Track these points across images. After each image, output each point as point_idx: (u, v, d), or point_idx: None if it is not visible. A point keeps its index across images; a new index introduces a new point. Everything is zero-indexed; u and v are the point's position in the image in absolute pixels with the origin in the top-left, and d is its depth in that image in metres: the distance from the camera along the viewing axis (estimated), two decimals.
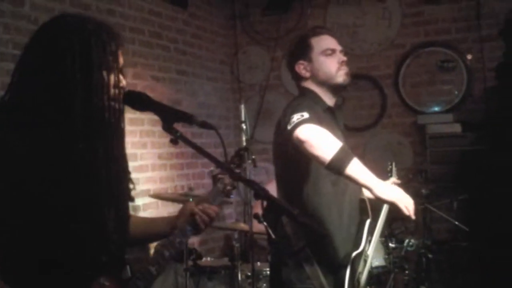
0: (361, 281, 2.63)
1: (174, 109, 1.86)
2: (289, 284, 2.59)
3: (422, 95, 5.58)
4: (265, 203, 1.67)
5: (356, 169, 2.36)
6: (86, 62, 1.67)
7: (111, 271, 1.73)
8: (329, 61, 2.77)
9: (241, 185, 6.05)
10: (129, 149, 4.74)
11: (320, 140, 2.39)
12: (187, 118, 1.84)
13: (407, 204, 2.39)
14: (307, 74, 2.78)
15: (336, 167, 2.36)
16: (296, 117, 2.46)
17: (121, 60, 1.82)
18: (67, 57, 1.66)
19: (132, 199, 1.96)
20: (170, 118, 1.83)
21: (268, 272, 3.84)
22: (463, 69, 5.42)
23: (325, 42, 2.80)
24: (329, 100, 2.79)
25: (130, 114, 4.70)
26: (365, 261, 2.67)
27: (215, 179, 2.10)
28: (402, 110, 5.65)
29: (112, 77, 1.75)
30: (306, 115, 2.46)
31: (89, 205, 1.69)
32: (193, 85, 5.56)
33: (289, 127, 2.46)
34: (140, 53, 4.93)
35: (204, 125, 1.84)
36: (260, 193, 1.63)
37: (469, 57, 5.39)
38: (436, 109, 5.50)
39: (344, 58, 2.79)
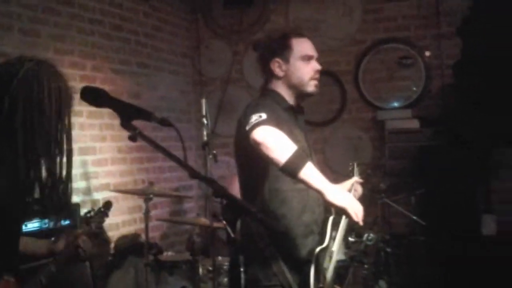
0: (327, 277, 2.65)
1: (132, 105, 1.84)
2: (256, 281, 2.60)
3: (381, 91, 5.65)
4: (224, 201, 1.67)
5: (309, 173, 2.38)
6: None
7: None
8: (305, 67, 2.75)
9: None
10: (89, 143, 4.72)
11: (275, 143, 2.40)
12: (146, 115, 1.83)
13: (356, 210, 2.43)
14: (280, 74, 2.75)
15: (290, 170, 2.38)
16: (254, 118, 2.46)
17: None
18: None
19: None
20: (129, 115, 1.81)
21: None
22: (422, 66, 5.50)
23: (305, 46, 2.78)
24: (291, 100, 2.80)
25: (90, 108, 4.63)
26: (330, 257, 2.69)
27: (87, 220, 2.58)
28: (361, 105, 5.71)
29: None
30: (264, 115, 2.46)
31: None
32: (153, 79, 5.51)
33: (247, 127, 2.46)
34: (99, 45, 4.85)
35: (163, 122, 1.83)
36: (219, 191, 1.63)
37: (427, 54, 5.48)
38: (395, 104, 5.58)
39: (319, 67, 2.78)
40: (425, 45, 5.51)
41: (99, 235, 2.56)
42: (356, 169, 3.14)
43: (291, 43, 2.76)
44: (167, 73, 5.75)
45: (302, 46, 2.77)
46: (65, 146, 1.97)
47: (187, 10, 6.17)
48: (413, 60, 5.52)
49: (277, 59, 2.75)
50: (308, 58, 2.77)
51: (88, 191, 4.50)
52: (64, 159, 1.95)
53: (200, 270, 3.91)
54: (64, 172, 1.95)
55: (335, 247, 2.72)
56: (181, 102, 5.93)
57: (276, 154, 2.38)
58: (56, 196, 1.95)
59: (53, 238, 2.43)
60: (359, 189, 2.97)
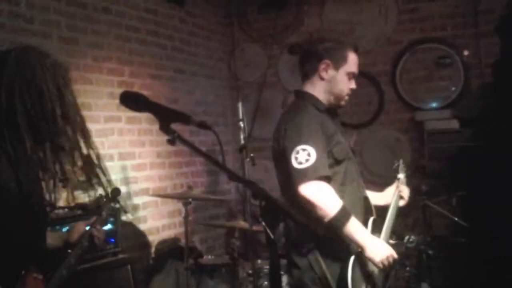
0: (376, 281, 2.65)
1: (171, 109, 1.85)
2: (302, 285, 2.63)
3: (419, 91, 5.58)
4: (263, 203, 1.67)
5: (352, 229, 2.55)
6: None
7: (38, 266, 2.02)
8: (347, 83, 2.83)
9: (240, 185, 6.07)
10: (128, 148, 4.77)
11: (322, 201, 2.55)
12: (184, 119, 1.83)
13: (387, 261, 2.57)
14: (325, 76, 2.80)
15: (335, 226, 2.54)
16: (301, 156, 2.58)
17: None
18: None
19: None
20: (167, 118, 1.82)
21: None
22: (460, 65, 5.41)
23: (354, 64, 2.85)
24: (326, 102, 2.83)
25: (128, 113, 4.66)
26: None
27: (99, 209, 2.58)
28: (399, 106, 5.64)
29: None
30: (312, 154, 2.56)
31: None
32: (190, 83, 5.55)
33: (293, 164, 2.58)
34: (136, 52, 4.91)
35: (201, 125, 1.84)
36: (258, 193, 1.62)
37: (465, 53, 5.39)
38: (434, 105, 5.50)
39: (355, 87, 2.87)
40: (462, 44, 5.42)
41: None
42: (401, 166, 3.15)
43: (347, 55, 2.81)
44: (203, 78, 5.79)
45: (354, 63, 2.84)
46: (77, 121, 1.99)
47: (221, 15, 6.20)
48: (451, 59, 5.44)
49: (328, 61, 2.77)
50: (352, 76, 2.84)
51: (128, 196, 4.55)
52: (79, 135, 1.99)
53: (240, 273, 3.91)
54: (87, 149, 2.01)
55: (382, 236, 2.72)
56: (217, 106, 5.96)
57: (323, 212, 2.54)
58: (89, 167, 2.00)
59: (67, 229, 2.54)
60: (405, 190, 2.97)
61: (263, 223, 1.67)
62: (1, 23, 3.77)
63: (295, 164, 2.58)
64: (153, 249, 4.63)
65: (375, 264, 2.59)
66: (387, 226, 2.82)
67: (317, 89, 2.81)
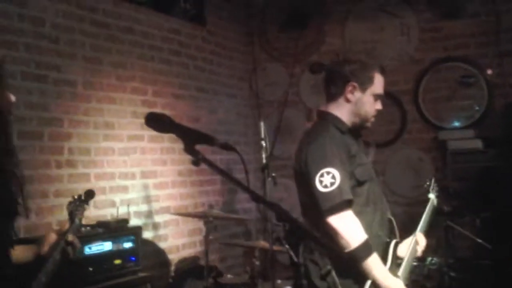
0: None
1: (195, 130, 1.86)
2: None
3: (442, 110, 5.54)
4: (286, 225, 1.66)
5: (372, 265, 2.54)
6: None
7: None
8: (373, 105, 2.81)
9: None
10: (150, 166, 4.80)
11: (347, 233, 2.54)
12: (209, 140, 1.84)
13: None
14: (351, 99, 2.77)
15: (356, 258, 2.53)
16: (326, 180, 2.56)
17: None
18: None
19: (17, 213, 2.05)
20: (192, 140, 1.83)
21: None
22: (484, 84, 5.37)
23: (380, 85, 2.82)
24: (349, 123, 2.81)
25: (151, 132, 4.71)
26: None
27: (71, 215, 2.41)
28: (422, 125, 5.61)
29: None
30: (337, 176, 2.56)
31: None
32: (212, 102, 5.58)
33: (318, 188, 2.57)
34: (160, 71, 4.96)
35: (225, 146, 1.85)
36: (282, 215, 1.62)
37: (489, 72, 5.35)
38: (457, 124, 5.46)
39: (381, 108, 2.84)
40: (486, 63, 5.38)
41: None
42: (433, 186, 3.11)
43: (373, 77, 2.79)
44: (225, 97, 5.82)
45: (380, 84, 2.81)
46: None
47: (243, 34, 6.24)
48: (474, 78, 5.40)
49: (355, 84, 2.76)
50: (379, 97, 2.82)
51: (149, 214, 4.57)
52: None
53: None
54: None
55: (401, 272, 2.68)
56: (239, 125, 5.98)
57: (344, 242, 2.53)
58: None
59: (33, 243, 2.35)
60: (422, 242, 2.91)
61: (287, 246, 1.66)
62: (26, 43, 3.83)
63: (320, 187, 2.57)
64: (172, 268, 4.63)
65: None
66: (407, 263, 2.77)
67: (342, 111, 2.79)
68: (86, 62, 4.27)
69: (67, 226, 2.35)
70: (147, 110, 4.73)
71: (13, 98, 1.99)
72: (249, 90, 6.25)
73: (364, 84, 2.77)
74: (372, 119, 2.83)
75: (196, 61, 5.44)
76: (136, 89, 4.69)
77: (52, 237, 2.26)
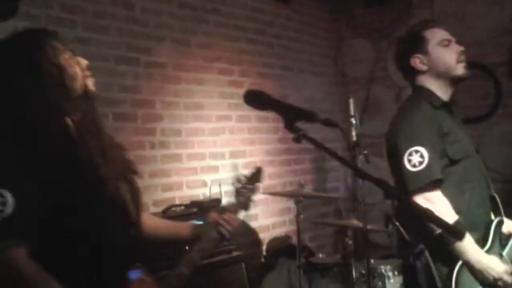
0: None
1: (295, 107, 1.83)
2: (416, 287, 2.55)
3: None
4: (396, 202, 1.61)
5: (465, 247, 2.44)
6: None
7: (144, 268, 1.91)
8: (448, 51, 2.68)
9: (348, 181, 5.99)
10: (238, 146, 4.83)
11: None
12: (309, 116, 1.81)
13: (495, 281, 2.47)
14: (424, 68, 2.69)
15: (445, 240, 2.43)
16: (414, 159, 2.49)
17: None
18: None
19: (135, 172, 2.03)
20: (292, 116, 1.80)
21: (383, 270, 3.76)
22: None
23: (439, 33, 2.71)
24: (444, 94, 2.70)
25: (238, 112, 4.74)
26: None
27: (237, 192, 2.27)
28: None
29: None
30: (425, 155, 2.48)
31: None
32: (298, 81, 5.53)
33: (407, 167, 2.50)
34: (245, 51, 4.97)
35: (327, 122, 1.81)
36: (391, 192, 1.57)
37: None
38: None
39: (462, 48, 2.69)
40: None
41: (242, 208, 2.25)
42: None
43: (424, 35, 2.70)
44: (311, 75, 5.75)
45: (436, 34, 2.70)
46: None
47: (327, 11, 6.13)
48: None
49: (416, 55, 2.68)
50: (447, 42, 2.69)
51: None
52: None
53: (353, 273, 3.84)
54: None
55: (506, 252, 2.57)
56: (326, 103, 5.91)
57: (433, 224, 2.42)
58: None
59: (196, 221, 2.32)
60: None
61: (397, 223, 1.60)
62: (118, 28, 3.92)
63: (408, 166, 2.51)
64: (264, 247, 4.65)
65: (481, 279, 2.48)
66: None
67: (428, 82, 2.69)
68: (175, 44, 4.32)
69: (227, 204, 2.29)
70: (234, 90, 4.77)
71: (85, 61, 1.88)
72: (335, 67, 6.15)
73: (421, 48, 2.67)
74: (460, 64, 2.66)
75: (280, 40, 5.40)
76: (223, 69, 4.72)
77: (213, 215, 2.17)
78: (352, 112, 3.93)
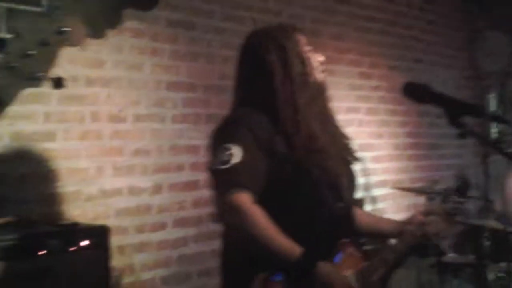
0: None
1: (460, 101, 1.75)
2: None
3: None
4: None
5: None
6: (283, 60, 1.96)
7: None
8: None
9: (479, 180, 5.72)
10: (366, 139, 4.76)
11: None
12: (476, 111, 1.72)
13: None
14: None
15: None
16: None
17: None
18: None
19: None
20: (457, 110, 1.72)
21: None
22: None
23: None
24: None
25: (367, 104, 4.62)
26: None
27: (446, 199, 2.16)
28: None
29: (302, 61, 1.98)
30: None
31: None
32: (428, 73, 5.35)
33: None
34: (375, 42, 4.87)
35: (496, 118, 1.72)
36: None
37: None
38: None
39: None
40: None
41: (450, 217, 2.09)
42: None
43: None
44: (442, 68, 5.55)
45: None
46: None
47: (461, 1, 5.88)
48: None
49: None
50: None
51: (367, 187, 4.53)
52: None
53: (488, 275, 3.66)
54: None
55: None
56: (457, 97, 5.66)
57: None
58: None
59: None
60: None
61: None
62: (253, 18, 3.95)
63: None
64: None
65: None
66: None
67: None
68: (306, 34, 4.30)
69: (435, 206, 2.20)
70: (363, 82, 4.70)
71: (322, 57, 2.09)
72: (467, 60, 5.89)
73: None
74: None
75: (412, 31, 5.25)
76: (352, 61, 4.66)
77: (419, 217, 2.11)
78: (493, 108, 3.75)
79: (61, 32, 1.51)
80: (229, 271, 1.94)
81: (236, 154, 1.78)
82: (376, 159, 4.72)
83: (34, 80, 1.49)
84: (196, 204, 3.50)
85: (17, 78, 1.48)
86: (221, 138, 1.87)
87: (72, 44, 1.41)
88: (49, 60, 1.51)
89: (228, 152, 1.78)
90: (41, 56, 1.49)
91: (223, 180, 1.78)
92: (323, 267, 1.77)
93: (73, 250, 2.51)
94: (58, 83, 1.53)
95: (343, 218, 1.97)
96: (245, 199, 1.74)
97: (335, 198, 1.94)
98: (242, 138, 1.82)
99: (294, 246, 1.76)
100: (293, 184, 1.86)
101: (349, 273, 1.87)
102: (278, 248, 1.74)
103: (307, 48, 2.03)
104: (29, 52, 1.46)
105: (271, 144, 1.85)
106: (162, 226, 3.37)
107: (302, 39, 2.03)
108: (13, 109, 2.55)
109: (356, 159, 2.07)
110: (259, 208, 1.75)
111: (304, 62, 1.97)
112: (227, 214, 1.76)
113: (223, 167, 1.77)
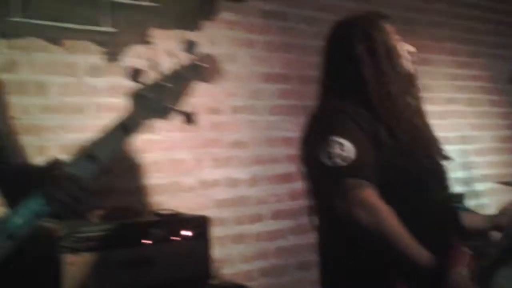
0: None
1: None
2: None
3: None
4: None
5: None
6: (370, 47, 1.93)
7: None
8: None
9: None
10: (467, 131, 4.57)
11: None
12: None
13: None
14: None
15: None
16: None
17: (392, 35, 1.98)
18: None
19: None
20: None
21: None
22: None
23: None
24: None
25: (468, 95, 4.40)
26: None
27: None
28: None
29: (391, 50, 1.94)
30: None
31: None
32: None
33: None
34: (475, 30, 4.70)
35: None
36: None
37: None
38: None
39: None
40: None
41: None
42: None
43: None
44: None
45: None
46: None
47: None
48: None
49: None
50: None
51: (469, 181, 4.36)
52: None
53: None
54: None
55: None
56: None
57: None
58: None
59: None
60: None
61: None
62: (345, 8, 3.85)
63: None
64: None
65: None
66: None
67: None
68: (402, 23, 4.16)
69: None
70: (463, 72, 4.51)
71: (412, 48, 2.02)
72: None
73: None
74: None
75: None
76: (451, 50, 4.48)
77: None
78: None
79: (197, 68, 1.50)
80: (339, 272, 1.88)
81: (348, 148, 1.73)
82: (478, 152, 4.53)
83: (164, 112, 1.49)
84: (292, 196, 3.46)
85: (148, 108, 1.48)
86: (327, 130, 1.80)
87: (206, 80, 1.38)
88: (181, 94, 1.50)
89: (339, 146, 1.73)
90: (175, 89, 1.49)
91: (344, 176, 1.70)
92: (454, 275, 1.67)
93: (175, 240, 2.53)
94: (189, 118, 1.52)
95: (451, 209, 1.93)
96: (374, 195, 1.68)
97: (442, 187, 1.91)
98: (351, 131, 1.78)
99: (423, 250, 1.67)
100: (403, 174, 1.80)
101: (464, 273, 1.76)
102: (408, 250, 1.66)
103: (395, 37, 1.98)
104: (165, 84, 1.46)
105: (375, 135, 1.81)
106: (259, 218, 3.36)
107: (389, 27, 1.98)
108: None
109: (446, 155, 2.00)
110: (386, 205, 1.69)
111: (391, 51, 1.93)
112: (358, 212, 1.65)
113: (341, 162, 1.71)
